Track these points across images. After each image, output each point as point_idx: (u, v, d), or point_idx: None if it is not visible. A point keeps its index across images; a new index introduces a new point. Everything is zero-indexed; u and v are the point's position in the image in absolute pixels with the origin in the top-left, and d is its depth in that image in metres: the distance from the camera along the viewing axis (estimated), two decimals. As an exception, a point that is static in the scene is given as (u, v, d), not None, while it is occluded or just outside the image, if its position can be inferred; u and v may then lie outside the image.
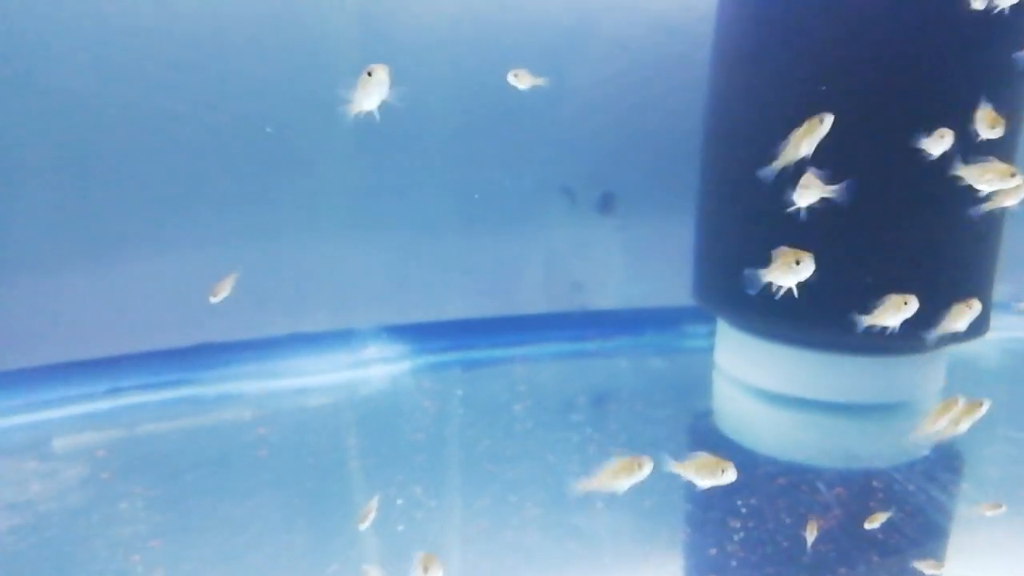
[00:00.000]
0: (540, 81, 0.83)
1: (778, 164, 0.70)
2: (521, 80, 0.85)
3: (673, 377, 1.01)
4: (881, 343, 0.93)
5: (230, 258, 0.98)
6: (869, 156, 0.82)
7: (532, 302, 1.11)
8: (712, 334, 0.98)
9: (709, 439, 0.91)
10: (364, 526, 0.68)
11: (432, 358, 1.05)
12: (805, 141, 0.70)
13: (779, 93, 0.85)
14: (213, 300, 0.74)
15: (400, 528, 0.71)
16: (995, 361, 1.06)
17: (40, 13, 0.87)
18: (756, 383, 0.91)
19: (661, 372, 1.02)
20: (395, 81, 1.01)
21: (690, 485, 0.83)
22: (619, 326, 1.08)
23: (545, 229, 1.08)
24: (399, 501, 0.74)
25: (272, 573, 0.62)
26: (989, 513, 0.74)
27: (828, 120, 0.68)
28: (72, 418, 0.85)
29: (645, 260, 1.08)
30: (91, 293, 0.94)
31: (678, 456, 0.78)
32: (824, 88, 0.81)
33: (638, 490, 0.84)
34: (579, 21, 1.02)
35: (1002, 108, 0.75)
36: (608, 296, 1.10)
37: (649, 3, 1.04)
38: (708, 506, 0.81)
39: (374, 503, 0.68)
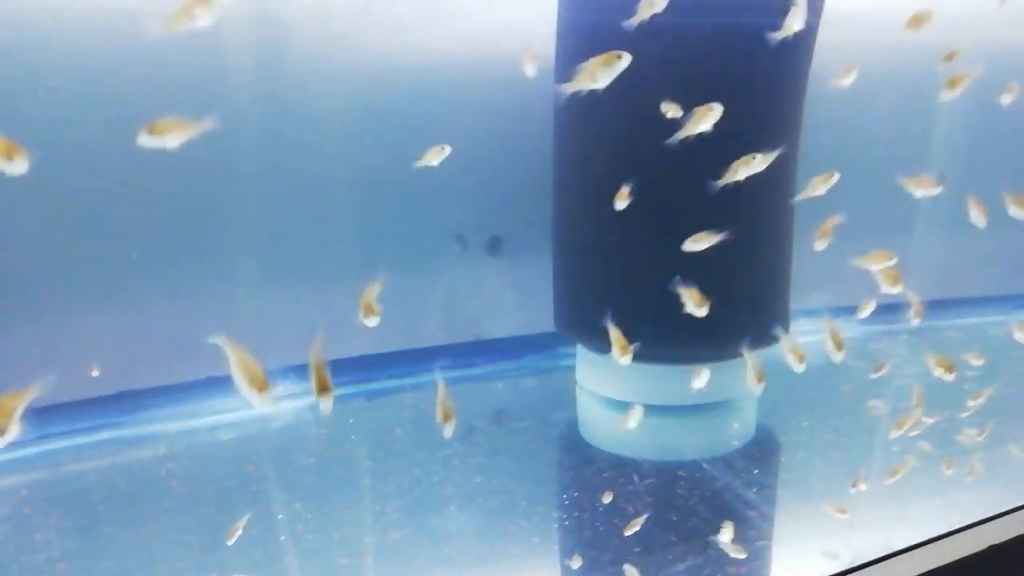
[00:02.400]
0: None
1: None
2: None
3: (543, 393, 1.18)
4: (699, 353, 1.08)
5: (149, 313, 1.12)
6: (677, 200, 0.97)
7: (430, 336, 1.25)
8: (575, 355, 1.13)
9: (564, 443, 1.06)
10: (231, 541, 0.82)
11: (338, 392, 1.18)
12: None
13: (600, 150, 1.00)
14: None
15: (281, 538, 0.85)
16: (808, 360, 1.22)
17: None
18: (606, 394, 1.06)
19: (534, 389, 1.19)
20: (298, 142, 1.15)
21: (532, 486, 0.98)
22: (504, 352, 1.23)
23: (441, 271, 1.23)
24: (280, 516, 0.87)
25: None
26: (839, 516, 0.87)
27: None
28: (1, 464, 0.98)
29: (527, 293, 1.24)
30: (19, 351, 1.08)
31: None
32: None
33: (485, 492, 0.97)
34: (454, 91, 1.16)
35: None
36: (496, 327, 1.24)
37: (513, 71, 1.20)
38: (540, 501, 0.95)
39: (242, 522, 0.82)
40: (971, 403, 1.05)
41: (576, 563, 0.79)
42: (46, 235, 1.06)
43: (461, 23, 1.16)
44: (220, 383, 1.22)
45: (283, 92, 1.13)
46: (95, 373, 1.00)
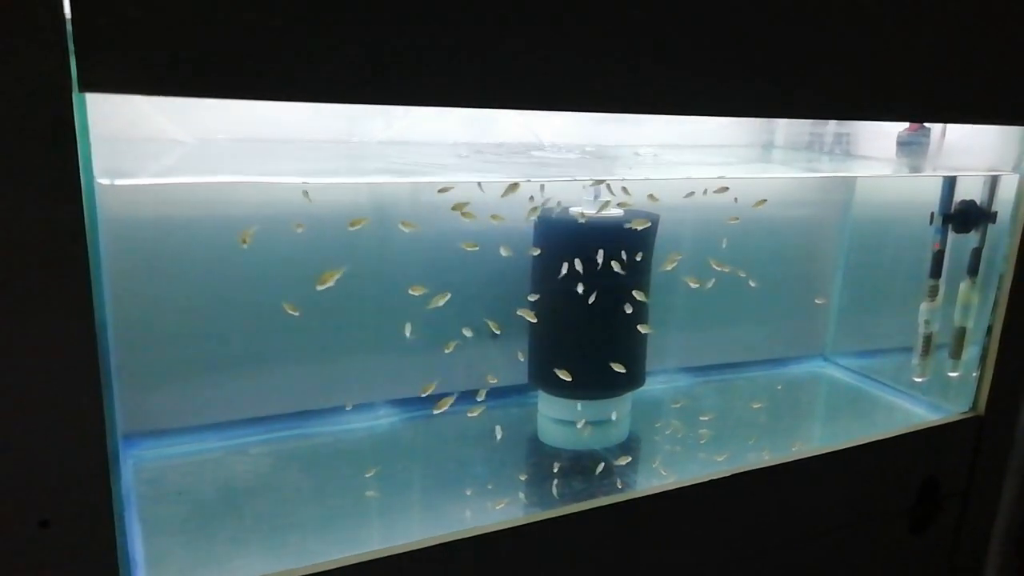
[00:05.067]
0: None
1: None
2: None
3: (520, 416, 1.94)
4: (600, 392, 2.00)
5: (311, 367, 2.02)
6: (585, 311, 1.90)
7: (459, 386, 2.10)
8: (538, 396, 2.04)
9: (529, 441, 1.95)
10: (369, 474, 1.70)
11: (407, 415, 2.10)
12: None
13: (548, 287, 1.94)
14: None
15: (395, 478, 1.75)
16: (661, 396, 2.15)
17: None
18: (554, 416, 1.92)
19: (515, 414, 2.00)
20: (391, 281, 2.01)
21: (512, 457, 1.87)
22: (500, 395, 2.07)
23: (464, 349, 2.06)
24: (388, 468, 1.77)
25: None
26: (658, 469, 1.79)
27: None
28: (247, 445, 1.86)
29: (513, 361, 2.06)
30: (242, 390, 1.96)
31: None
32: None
33: (487, 458, 1.88)
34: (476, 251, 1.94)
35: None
36: (495, 379, 2.15)
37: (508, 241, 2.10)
38: (511, 462, 1.72)
39: (372, 470, 1.70)
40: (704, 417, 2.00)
41: (523, 476, 1.68)
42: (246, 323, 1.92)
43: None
44: (342, 409, 2.01)
45: (388, 259, 1.85)
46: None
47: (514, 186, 1.58)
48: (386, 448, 1.82)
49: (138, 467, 1.66)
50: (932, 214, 2.04)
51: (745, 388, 2.28)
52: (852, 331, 2.49)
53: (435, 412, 1.65)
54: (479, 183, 1.61)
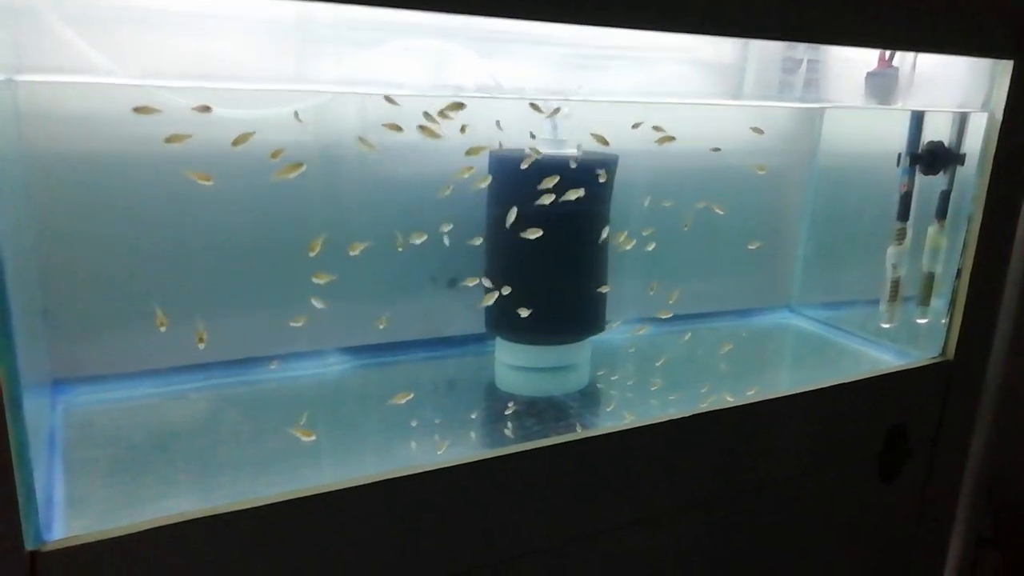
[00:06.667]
0: None
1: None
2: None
3: (477, 364, 1.93)
4: (559, 338, 1.94)
5: (258, 313, 1.94)
6: (544, 257, 1.84)
7: (415, 333, 2.06)
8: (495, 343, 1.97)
9: (486, 388, 1.89)
10: (302, 424, 1.64)
11: (362, 362, 2.02)
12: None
13: (503, 232, 1.87)
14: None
15: (339, 418, 1.67)
16: (621, 343, 2.10)
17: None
18: (511, 363, 1.87)
19: (472, 362, 1.97)
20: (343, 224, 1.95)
21: (467, 402, 1.81)
22: (456, 343, 2.06)
23: (421, 297, 2.01)
24: (337, 412, 1.70)
25: None
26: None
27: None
28: (186, 391, 1.77)
29: (470, 309, 2.06)
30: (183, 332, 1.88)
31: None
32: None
33: (445, 404, 1.81)
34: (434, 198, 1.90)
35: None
36: (452, 329, 2.07)
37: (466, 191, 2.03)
38: (468, 406, 1.76)
39: (304, 417, 1.64)
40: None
41: (476, 414, 1.63)
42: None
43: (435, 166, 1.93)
44: (292, 355, 1.98)
45: (339, 197, 1.81)
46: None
47: (458, 104, 1.51)
48: (335, 394, 1.75)
49: (68, 412, 1.58)
50: (899, 155, 1.98)
51: (709, 337, 2.23)
52: (818, 281, 2.44)
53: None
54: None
